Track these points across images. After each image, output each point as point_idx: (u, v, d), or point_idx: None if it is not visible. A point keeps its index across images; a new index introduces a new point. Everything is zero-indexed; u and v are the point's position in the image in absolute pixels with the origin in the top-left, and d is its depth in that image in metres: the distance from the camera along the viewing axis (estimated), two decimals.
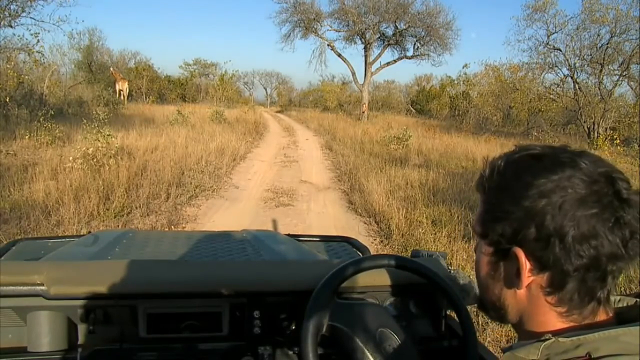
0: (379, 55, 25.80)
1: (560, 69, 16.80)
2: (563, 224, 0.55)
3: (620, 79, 15.54)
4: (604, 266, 0.56)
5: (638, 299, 0.64)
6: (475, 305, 0.74)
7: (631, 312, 0.63)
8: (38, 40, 11.93)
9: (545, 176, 0.58)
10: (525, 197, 0.58)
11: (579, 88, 15.87)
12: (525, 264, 0.59)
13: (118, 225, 4.97)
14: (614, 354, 0.53)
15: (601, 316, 0.61)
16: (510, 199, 0.60)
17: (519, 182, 0.60)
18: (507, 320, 0.66)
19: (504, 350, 0.63)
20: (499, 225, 0.61)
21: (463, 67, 29.56)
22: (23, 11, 11.65)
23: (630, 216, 0.55)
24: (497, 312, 0.67)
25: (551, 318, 0.61)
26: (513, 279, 0.61)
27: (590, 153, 0.61)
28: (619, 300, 0.65)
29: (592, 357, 0.54)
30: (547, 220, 0.56)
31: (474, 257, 0.71)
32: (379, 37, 25.37)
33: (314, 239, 1.93)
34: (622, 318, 0.61)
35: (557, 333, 0.58)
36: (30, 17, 11.79)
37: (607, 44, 14.91)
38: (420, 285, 1.08)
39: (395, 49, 25.79)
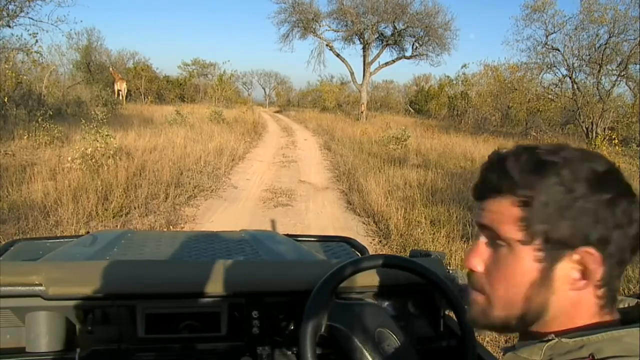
0: (378, 55, 25.86)
1: (559, 69, 16.82)
2: (625, 213, 0.57)
3: (619, 79, 15.56)
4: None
5: (639, 300, 0.64)
6: (486, 328, 0.66)
7: (634, 312, 0.62)
8: (36, 41, 11.90)
9: (599, 169, 0.58)
10: (588, 193, 0.56)
11: (577, 88, 15.89)
12: (597, 261, 0.56)
13: (117, 226, 4.96)
14: (618, 355, 0.52)
15: (612, 315, 0.60)
16: (571, 194, 0.56)
17: (574, 175, 0.57)
18: (530, 328, 0.62)
19: (505, 350, 0.62)
20: (562, 225, 0.56)
21: (462, 67, 29.57)
22: (21, 11, 11.62)
23: None
24: (525, 324, 0.61)
25: (593, 315, 0.59)
26: (570, 282, 0.58)
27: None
28: (620, 301, 0.64)
29: (596, 358, 0.53)
30: (613, 212, 0.56)
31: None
32: (378, 37, 25.40)
33: (313, 239, 1.93)
34: (626, 318, 0.61)
35: (560, 333, 0.57)
36: (29, 17, 11.78)
37: (606, 44, 14.93)
38: (419, 285, 1.08)
39: (394, 49, 25.86)
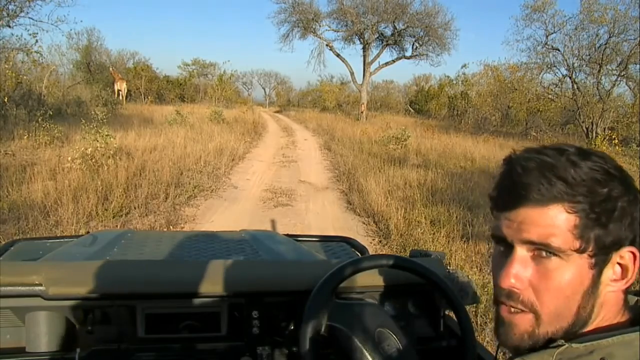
0: (378, 55, 25.87)
1: (559, 69, 16.82)
2: None
3: (619, 79, 15.56)
4: None
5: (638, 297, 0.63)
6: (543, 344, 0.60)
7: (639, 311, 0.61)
8: (36, 41, 11.90)
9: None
10: (623, 193, 0.57)
11: (577, 88, 15.89)
12: (637, 260, 0.57)
13: (117, 226, 4.96)
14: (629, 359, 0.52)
15: (626, 314, 0.60)
16: (614, 195, 0.56)
17: (620, 176, 0.58)
18: (564, 331, 0.59)
19: (514, 356, 0.60)
20: (613, 228, 0.56)
21: (462, 67, 29.57)
22: (21, 11, 11.63)
23: None
24: (572, 335, 0.58)
25: (617, 312, 0.59)
26: (611, 282, 0.58)
27: None
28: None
29: None
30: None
31: (494, 267, 0.62)
32: (378, 37, 25.40)
33: (313, 239, 1.92)
34: (635, 318, 0.60)
35: (571, 338, 0.57)
36: (29, 17, 11.78)
37: (606, 44, 14.92)
38: (419, 285, 1.08)
39: (394, 49, 25.87)
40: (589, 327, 0.59)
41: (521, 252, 0.58)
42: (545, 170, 0.57)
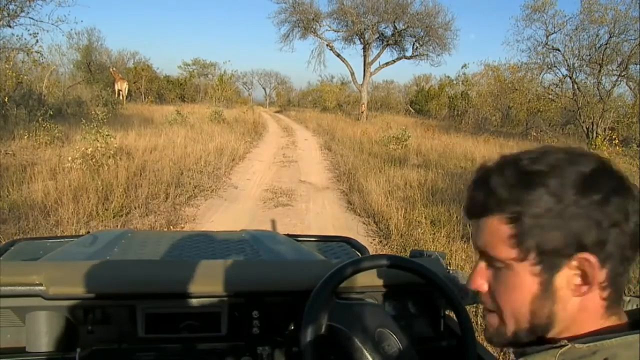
0: (378, 55, 25.85)
1: (559, 69, 16.82)
2: (620, 210, 0.55)
3: (619, 79, 15.56)
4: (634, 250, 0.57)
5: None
6: (500, 347, 0.67)
7: None
8: (37, 40, 11.91)
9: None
10: (578, 198, 0.55)
11: (577, 88, 15.89)
12: (596, 265, 0.55)
13: (117, 226, 4.96)
14: None
15: (619, 316, 0.59)
16: (561, 202, 0.55)
17: (562, 184, 0.56)
18: (543, 336, 0.61)
19: (517, 356, 0.61)
20: (554, 235, 0.55)
21: (462, 67, 29.52)
22: (22, 11, 11.63)
23: None
24: (536, 335, 0.60)
25: (600, 317, 0.58)
26: (573, 289, 0.57)
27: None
28: (628, 302, 0.63)
29: None
30: (606, 211, 0.55)
31: (483, 280, 0.64)
32: (378, 37, 25.40)
33: (313, 239, 1.93)
34: (635, 321, 0.60)
35: (573, 339, 0.56)
36: (29, 17, 11.78)
37: (606, 44, 14.92)
38: (419, 285, 1.08)
39: (394, 49, 25.84)
40: (564, 330, 0.59)
41: (481, 259, 0.63)
42: (484, 183, 0.60)
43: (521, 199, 0.56)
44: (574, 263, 0.56)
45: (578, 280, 0.57)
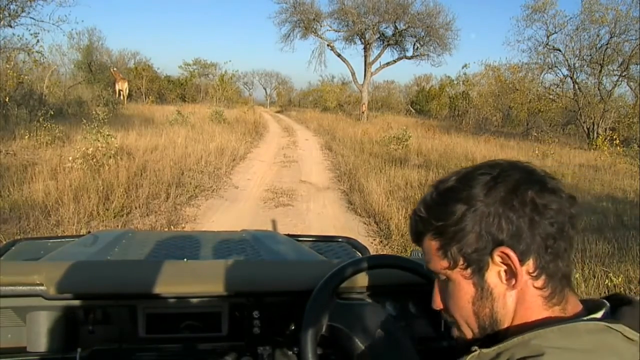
0: (379, 55, 25.84)
1: (560, 70, 16.87)
2: (531, 201, 0.58)
3: (620, 79, 15.58)
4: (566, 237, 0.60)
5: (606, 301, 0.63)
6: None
7: (596, 304, 0.62)
8: (38, 40, 11.94)
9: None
10: (484, 198, 0.59)
11: (578, 88, 15.90)
12: (515, 257, 0.58)
13: (117, 226, 4.97)
14: (525, 356, 0.54)
15: (563, 305, 0.61)
16: (470, 205, 0.60)
17: (462, 191, 0.61)
18: (485, 335, 0.64)
19: None
20: (470, 237, 0.60)
21: (462, 68, 29.67)
22: (23, 11, 11.65)
23: None
24: (487, 335, 0.64)
25: (540, 306, 0.60)
26: (505, 283, 0.60)
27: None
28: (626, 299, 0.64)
29: None
30: (513, 206, 0.58)
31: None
32: (379, 38, 25.39)
33: (314, 239, 1.93)
34: (593, 307, 0.62)
35: (516, 332, 0.58)
36: (30, 17, 11.81)
37: (607, 44, 14.94)
38: (420, 285, 1.08)
39: (395, 49, 25.84)
40: (512, 325, 0.62)
41: (436, 280, 0.70)
42: (415, 213, 0.67)
43: (440, 215, 0.62)
44: (497, 259, 0.59)
45: (506, 275, 0.60)
